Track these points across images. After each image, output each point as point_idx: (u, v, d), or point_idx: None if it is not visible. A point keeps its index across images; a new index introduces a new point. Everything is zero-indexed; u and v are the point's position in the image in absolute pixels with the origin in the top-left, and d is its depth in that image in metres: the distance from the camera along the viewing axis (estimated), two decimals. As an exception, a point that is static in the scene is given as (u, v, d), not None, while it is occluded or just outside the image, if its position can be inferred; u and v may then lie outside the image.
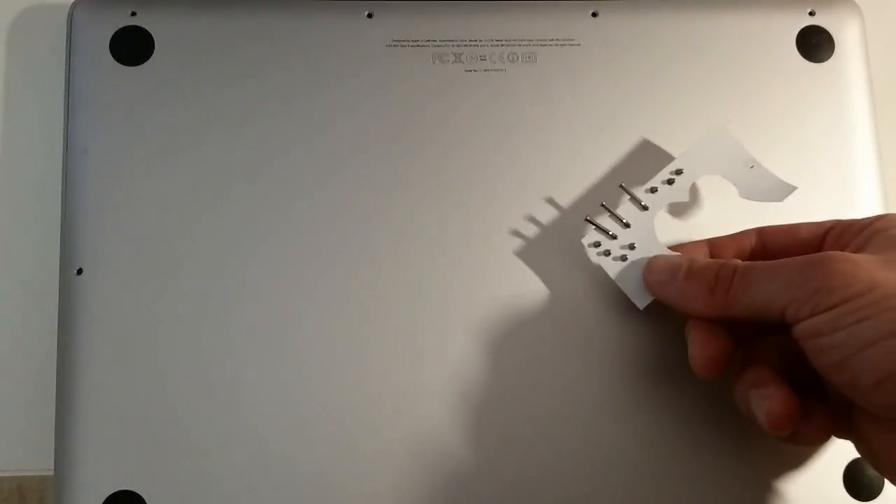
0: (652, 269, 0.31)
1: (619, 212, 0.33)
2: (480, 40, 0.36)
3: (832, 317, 0.25)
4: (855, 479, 0.33)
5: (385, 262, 0.34)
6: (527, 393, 0.33)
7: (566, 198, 0.35)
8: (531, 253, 0.34)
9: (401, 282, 0.34)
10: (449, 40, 0.36)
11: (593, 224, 0.33)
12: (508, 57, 0.36)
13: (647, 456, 0.33)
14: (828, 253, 0.27)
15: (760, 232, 0.32)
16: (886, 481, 0.33)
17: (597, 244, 0.33)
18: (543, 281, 0.34)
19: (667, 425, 0.33)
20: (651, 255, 0.32)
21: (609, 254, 0.33)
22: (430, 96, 0.35)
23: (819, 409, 0.29)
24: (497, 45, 0.36)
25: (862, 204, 0.35)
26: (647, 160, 0.35)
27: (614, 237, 0.33)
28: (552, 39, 0.36)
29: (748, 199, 0.33)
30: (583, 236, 0.33)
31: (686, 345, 0.30)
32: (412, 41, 0.36)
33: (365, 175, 0.34)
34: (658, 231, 0.33)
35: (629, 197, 0.33)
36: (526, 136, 0.35)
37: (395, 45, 0.36)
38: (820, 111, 0.36)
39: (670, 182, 0.33)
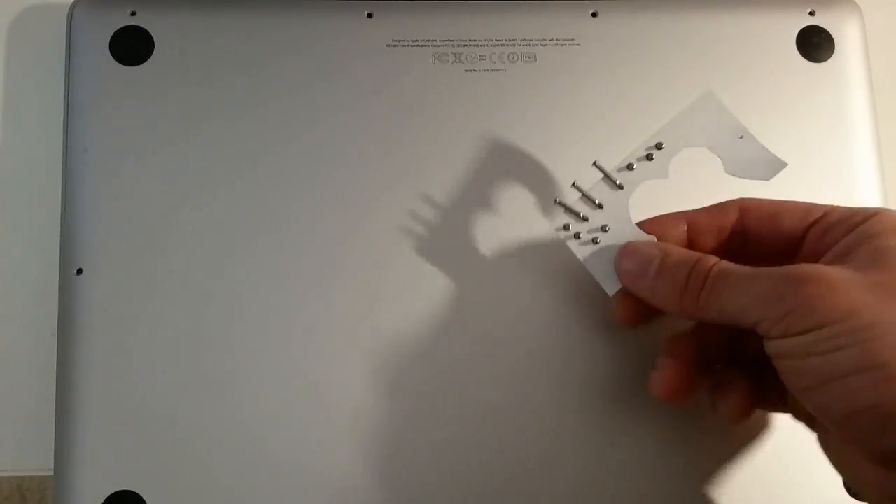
0: (623, 259, 0.30)
1: (592, 191, 0.31)
2: (480, 40, 0.36)
3: (804, 341, 0.24)
4: (855, 479, 0.33)
5: (382, 261, 0.34)
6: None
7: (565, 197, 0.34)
8: (529, 252, 0.34)
9: (398, 281, 0.34)
10: (449, 40, 0.36)
11: (563, 206, 0.31)
12: (508, 57, 0.36)
13: (636, 458, 0.33)
14: (804, 270, 0.25)
15: (744, 208, 0.30)
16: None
17: (566, 227, 0.31)
18: (538, 284, 0.34)
19: (659, 428, 0.33)
20: (624, 238, 0.30)
21: (578, 236, 0.31)
22: (430, 96, 0.35)
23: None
24: (497, 45, 0.36)
25: (862, 204, 0.35)
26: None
27: (585, 219, 0.31)
28: (552, 39, 0.36)
29: (734, 174, 0.31)
30: (553, 219, 0.31)
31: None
32: (412, 41, 0.36)
33: (364, 175, 0.34)
34: (636, 203, 0.31)
35: (603, 175, 0.31)
36: (526, 136, 0.35)
37: (395, 45, 0.36)
38: (820, 111, 0.36)
39: (649, 157, 0.31)
